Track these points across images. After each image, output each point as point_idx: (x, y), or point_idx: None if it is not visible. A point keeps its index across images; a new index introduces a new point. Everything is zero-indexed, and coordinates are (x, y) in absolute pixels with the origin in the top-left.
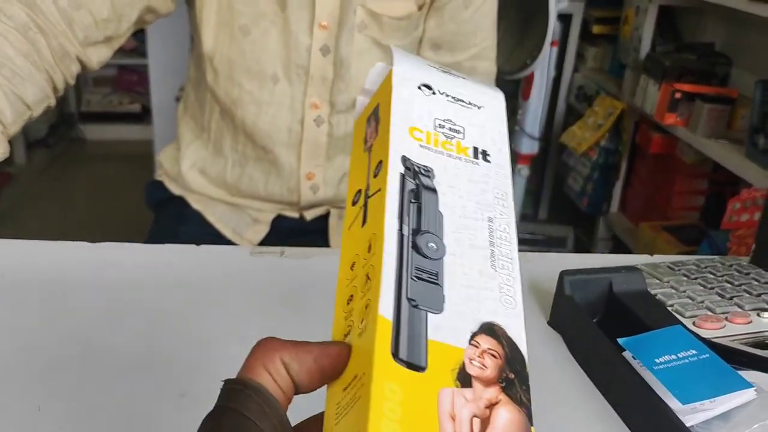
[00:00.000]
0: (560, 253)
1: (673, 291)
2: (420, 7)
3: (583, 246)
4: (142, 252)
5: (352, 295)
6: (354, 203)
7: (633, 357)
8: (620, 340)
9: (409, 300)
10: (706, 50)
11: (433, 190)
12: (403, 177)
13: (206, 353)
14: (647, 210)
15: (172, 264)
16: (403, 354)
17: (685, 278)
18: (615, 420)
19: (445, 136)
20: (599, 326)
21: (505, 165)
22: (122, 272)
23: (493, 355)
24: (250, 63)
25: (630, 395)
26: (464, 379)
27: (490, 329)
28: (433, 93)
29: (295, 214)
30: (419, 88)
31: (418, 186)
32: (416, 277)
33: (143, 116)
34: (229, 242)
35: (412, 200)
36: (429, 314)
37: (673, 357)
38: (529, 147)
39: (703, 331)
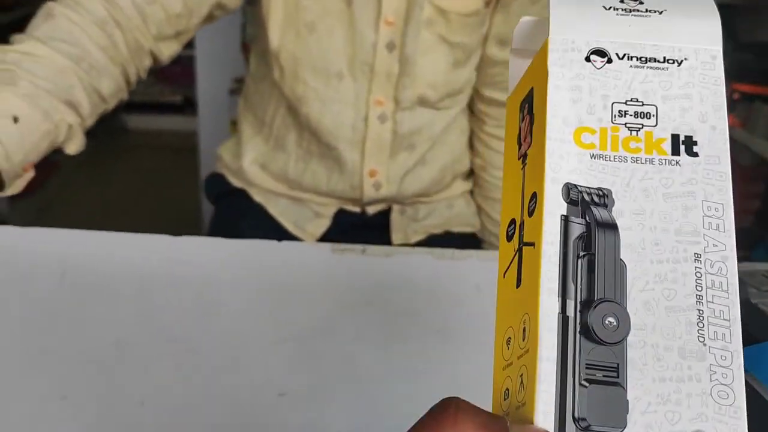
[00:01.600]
0: None
1: None
2: (487, 4)
3: None
4: (223, 247)
5: (507, 390)
6: (508, 238)
7: (746, 371)
8: None
9: (578, 422)
10: (764, 50)
11: (612, 227)
12: (566, 221)
13: (300, 351)
14: None
15: (253, 260)
16: None
17: None
18: None
19: (629, 128)
20: None
21: (722, 156)
22: (206, 268)
23: None
24: (316, 60)
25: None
26: None
27: None
28: (610, 61)
29: (356, 209)
30: (588, 59)
31: (590, 226)
32: (588, 379)
33: (185, 107)
34: (290, 236)
35: (581, 254)
36: None
37: None
38: None
39: None
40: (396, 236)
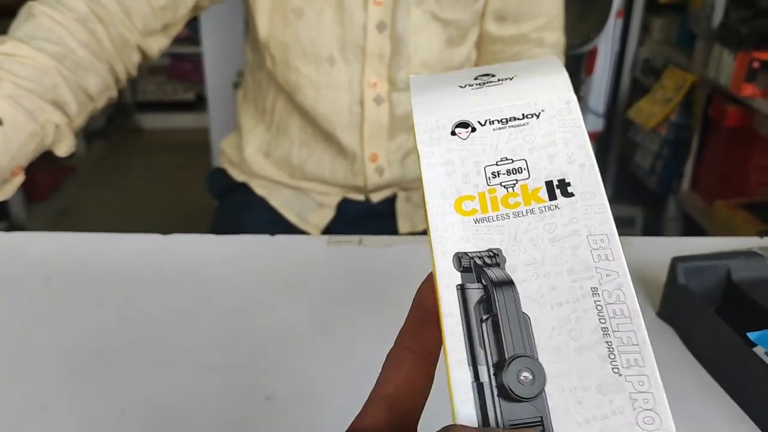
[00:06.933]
0: (631, 236)
1: None
2: None
3: (652, 226)
4: (215, 243)
5: None
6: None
7: (767, 353)
8: (750, 335)
9: None
10: None
11: (509, 284)
12: (462, 289)
13: (291, 351)
14: (721, 187)
15: (246, 255)
16: None
17: None
18: (747, 424)
19: (504, 186)
20: None
21: (596, 189)
22: (196, 265)
23: None
24: (306, 46)
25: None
26: None
27: None
28: (473, 130)
29: (360, 197)
30: (453, 133)
31: (487, 289)
32: None
33: (197, 104)
34: (294, 228)
35: (483, 317)
36: None
37: None
38: (594, 124)
39: None
40: (403, 224)
